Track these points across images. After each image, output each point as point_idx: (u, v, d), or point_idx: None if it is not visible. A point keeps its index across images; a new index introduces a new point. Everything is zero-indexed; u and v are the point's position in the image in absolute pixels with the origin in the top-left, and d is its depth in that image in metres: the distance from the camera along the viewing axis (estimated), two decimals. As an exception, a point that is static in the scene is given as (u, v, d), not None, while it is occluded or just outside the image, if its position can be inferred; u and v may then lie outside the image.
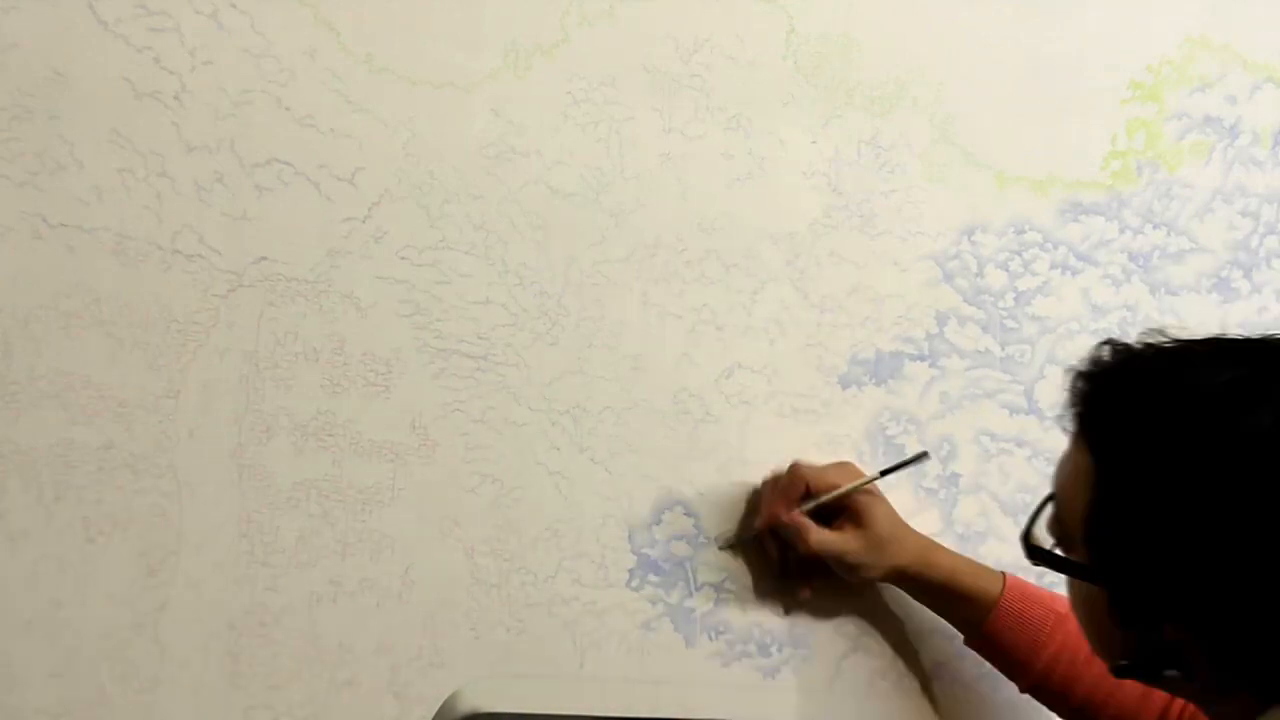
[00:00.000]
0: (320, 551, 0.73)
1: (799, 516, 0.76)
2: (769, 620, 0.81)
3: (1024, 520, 0.83)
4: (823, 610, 0.81)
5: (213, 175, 0.72)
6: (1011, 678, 0.76)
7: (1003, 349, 0.86)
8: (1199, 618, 0.52)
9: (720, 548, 0.80)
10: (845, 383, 0.83)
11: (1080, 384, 0.57)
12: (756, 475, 0.81)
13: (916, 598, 0.78)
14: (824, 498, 0.76)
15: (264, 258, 0.73)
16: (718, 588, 0.80)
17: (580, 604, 0.77)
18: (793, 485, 0.77)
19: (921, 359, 0.84)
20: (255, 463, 0.73)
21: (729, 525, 0.80)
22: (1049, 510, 0.59)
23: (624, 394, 0.79)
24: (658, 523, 0.79)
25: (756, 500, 0.80)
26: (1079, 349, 0.85)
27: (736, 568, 0.80)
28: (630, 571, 0.78)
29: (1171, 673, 0.54)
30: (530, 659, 0.77)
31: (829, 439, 0.82)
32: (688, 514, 0.80)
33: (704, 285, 0.80)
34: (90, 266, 0.71)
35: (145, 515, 0.71)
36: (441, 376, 0.76)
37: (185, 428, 0.72)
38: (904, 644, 0.83)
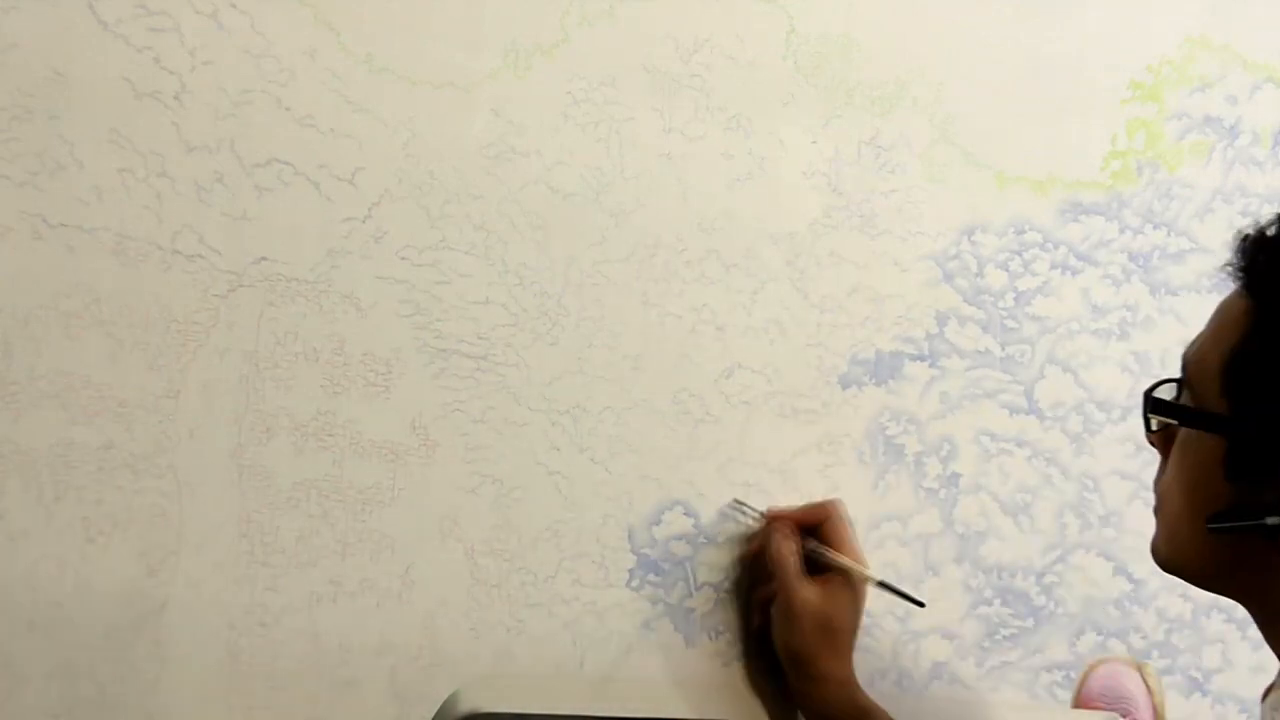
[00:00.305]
0: (320, 551, 0.73)
1: (789, 525, 0.76)
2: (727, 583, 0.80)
3: (1024, 520, 0.85)
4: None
5: (213, 175, 0.72)
6: None
7: (1003, 349, 0.86)
8: None
9: (730, 505, 0.80)
10: (845, 383, 0.83)
11: (1249, 241, 0.58)
12: (756, 475, 0.81)
13: None
14: (827, 552, 0.75)
15: (264, 258, 0.73)
16: (718, 588, 0.80)
17: (580, 604, 0.78)
18: (815, 512, 0.77)
19: (921, 359, 0.84)
20: (255, 463, 0.73)
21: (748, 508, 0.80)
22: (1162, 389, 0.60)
23: (624, 394, 0.79)
24: (658, 523, 0.79)
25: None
26: (1079, 349, 0.86)
27: (736, 567, 0.80)
28: (630, 571, 0.79)
29: (1275, 520, 0.53)
30: (530, 659, 0.77)
31: (829, 439, 0.82)
32: (688, 514, 0.80)
33: (704, 285, 0.80)
34: (90, 266, 0.71)
35: (145, 515, 0.71)
36: (441, 376, 0.76)
37: (185, 428, 0.72)
38: (904, 643, 0.83)
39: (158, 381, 0.72)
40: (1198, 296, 0.89)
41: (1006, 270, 0.86)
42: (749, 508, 0.80)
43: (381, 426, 0.75)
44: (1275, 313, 0.55)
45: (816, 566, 0.76)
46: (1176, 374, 0.62)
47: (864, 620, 0.80)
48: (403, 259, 0.75)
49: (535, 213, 0.77)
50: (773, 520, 0.78)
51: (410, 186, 0.75)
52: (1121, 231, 0.88)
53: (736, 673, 0.80)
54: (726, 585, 0.80)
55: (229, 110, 0.73)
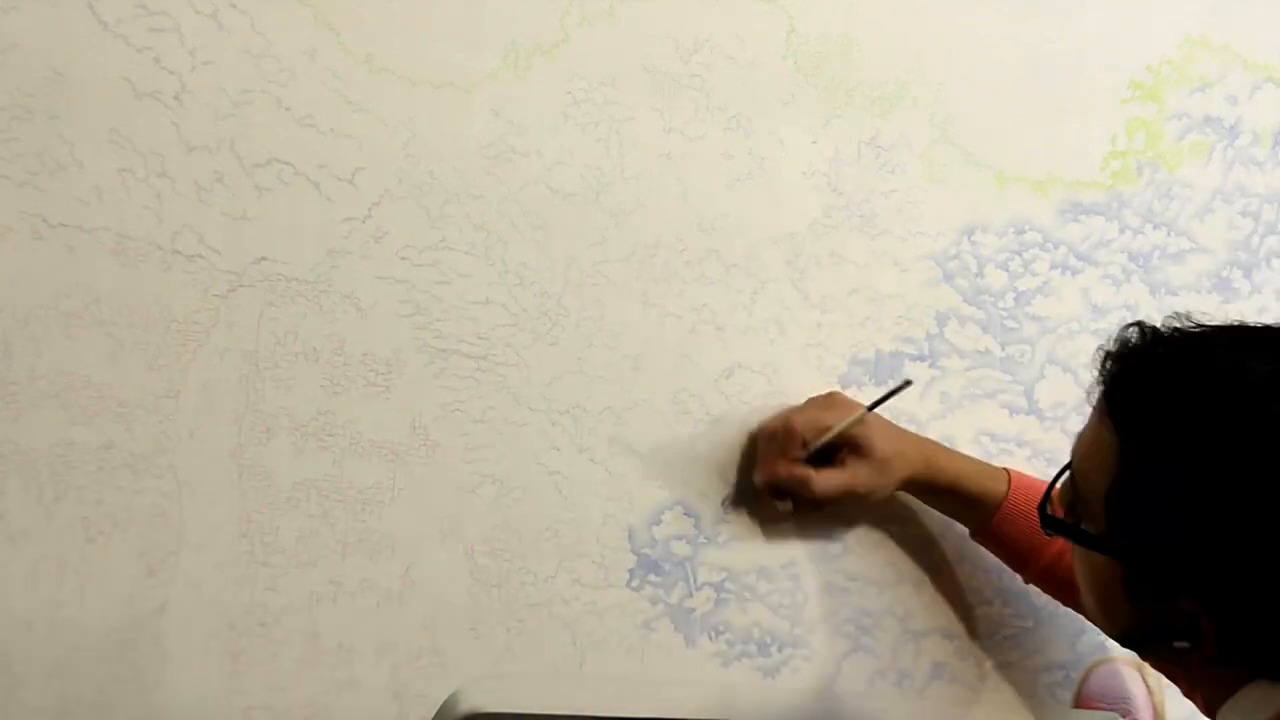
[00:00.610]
0: (320, 551, 0.74)
1: (797, 469, 0.76)
2: (769, 620, 0.81)
3: (1024, 520, 0.85)
4: (823, 610, 0.82)
5: (213, 175, 0.72)
6: (1017, 569, 0.78)
7: (1003, 349, 0.86)
8: (1217, 593, 0.54)
9: (724, 507, 0.80)
10: (845, 383, 0.83)
11: (1109, 364, 0.59)
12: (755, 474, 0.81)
13: (924, 500, 0.80)
14: (818, 443, 0.76)
15: (264, 258, 0.73)
16: (718, 588, 0.80)
17: (580, 604, 0.78)
18: (788, 438, 0.76)
19: (921, 359, 0.84)
20: (255, 463, 0.73)
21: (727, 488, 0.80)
22: (1062, 483, 0.61)
23: (624, 394, 0.79)
24: (658, 523, 0.79)
25: (753, 454, 0.79)
26: (1079, 349, 0.86)
27: (737, 568, 0.80)
28: (630, 571, 0.79)
29: (1182, 644, 0.55)
30: (530, 659, 0.77)
31: (829, 439, 0.82)
32: (688, 514, 0.80)
33: (704, 285, 0.80)
34: (90, 266, 0.71)
35: (145, 515, 0.71)
36: (441, 377, 0.76)
37: (185, 428, 0.72)
38: (905, 644, 0.83)
39: (158, 381, 0.72)
40: (1198, 297, 0.89)
41: (1006, 270, 0.86)
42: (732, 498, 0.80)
43: (381, 426, 0.75)
44: (1145, 454, 0.55)
45: (827, 456, 0.77)
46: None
47: (866, 620, 0.80)
48: (403, 259, 0.75)
49: (535, 213, 0.77)
50: (770, 479, 0.77)
51: (410, 186, 0.75)
52: (1121, 231, 0.88)
53: (737, 672, 0.80)
54: (728, 585, 0.80)
55: (229, 110, 0.73)
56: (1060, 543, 0.73)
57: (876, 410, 0.78)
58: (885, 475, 0.76)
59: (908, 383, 0.79)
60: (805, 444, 0.76)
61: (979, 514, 0.77)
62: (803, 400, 0.80)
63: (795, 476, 0.76)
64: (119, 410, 0.71)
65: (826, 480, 0.76)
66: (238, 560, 0.73)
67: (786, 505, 0.79)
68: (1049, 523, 0.61)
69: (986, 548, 0.79)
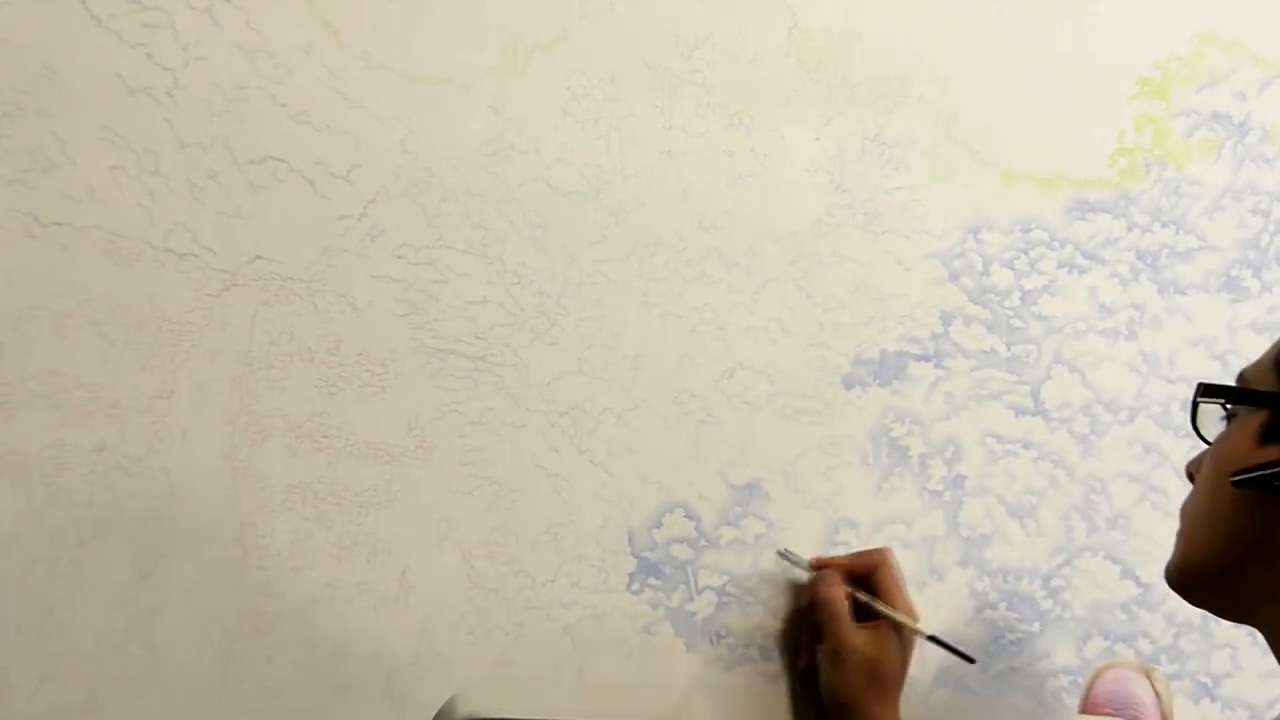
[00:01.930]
0: (315, 555, 0.73)
1: (836, 572, 0.77)
2: (772, 624, 0.81)
3: (1029, 523, 0.85)
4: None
5: (206, 173, 0.72)
6: None
7: (1009, 349, 0.86)
8: None
9: (778, 552, 0.80)
10: (849, 383, 0.83)
11: None
12: (758, 477, 0.81)
13: None
14: (875, 602, 0.76)
15: (258, 256, 0.73)
16: (719, 591, 0.80)
17: (580, 608, 0.77)
18: (865, 560, 0.77)
19: (926, 359, 0.84)
20: (249, 465, 0.73)
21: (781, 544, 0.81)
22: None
23: (624, 395, 0.79)
24: (658, 525, 0.79)
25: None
26: (1086, 349, 0.86)
27: (739, 571, 0.80)
28: (630, 575, 0.78)
29: None
30: (529, 663, 0.77)
31: (832, 440, 0.82)
32: (689, 516, 0.80)
33: (705, 284, 0.80)
34: (82, 265, 0.70)
35: (138, 518, 0.71)
36: (438, 377, 0.76)
37: (178, 429, 0.72)
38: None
39: (150, 382, 0.71)
40: (1206, 295, 0.88)
41: (1012, 269, 0.86)
42: (795, 556, 0.80)
43: (377, 428, 0.75)
44: None
45: (866, 614, 0.76)
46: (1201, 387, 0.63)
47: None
48: (399, 258, 0.75)
49: (534, 211, 0.77)
50: (821, 568, 0.79)
51: (407, 184, 0.75)
52: (1129, 230, 0.88)
53: (739, 677, 0.80)
54: (729, 589, 0.80)
55: (223, 107, 0.73)
56: None
57: (928, 643, 0.78)
58: (865, 681, 0.74)
59: (973, 661, 0.78)
60: (867, 584, 0.77)
61: None
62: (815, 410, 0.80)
63: (830, 578, 0.77)
64: (111, 411, 0.71)
65: (839, 605, 0.75)
66: (231, 564, 0.72)
67: (806, 661, 0.79)
68: (1206, 390, 0.62)
69: None
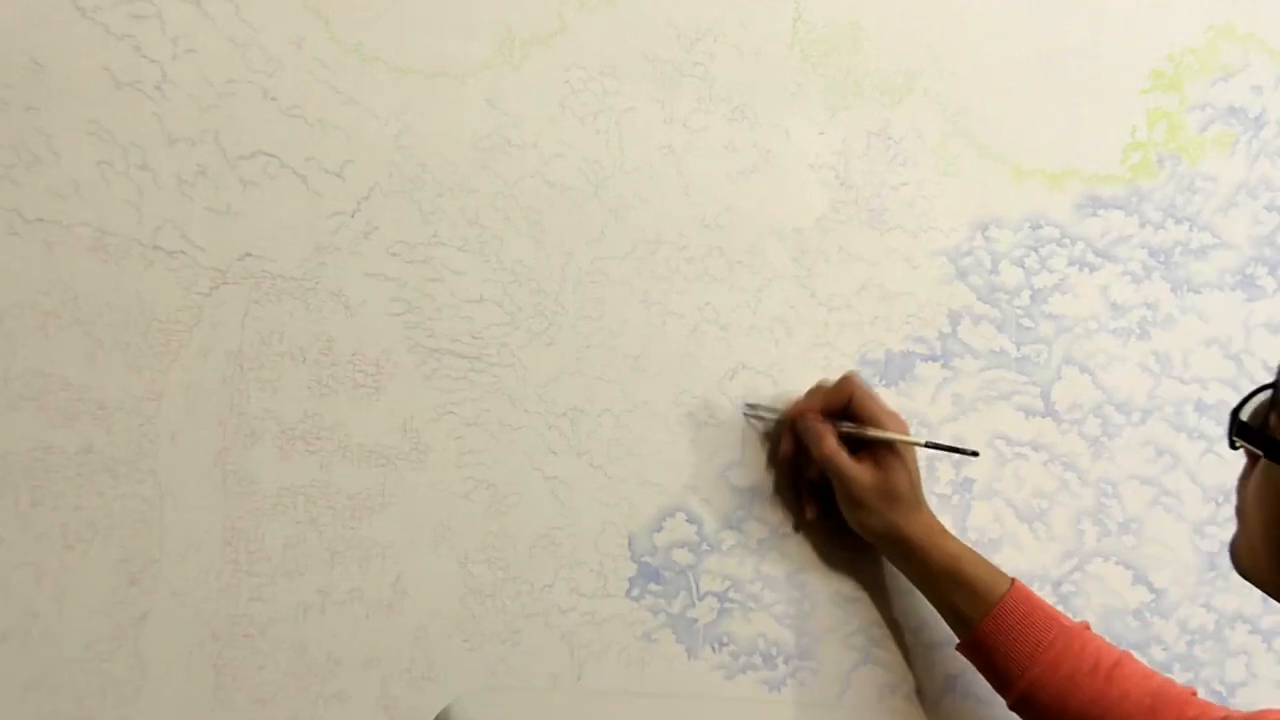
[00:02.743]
0: (307, 560, 0.73)
1: (823, 423, 0.77)
2: (775, 631, 0.80)
3: (1039, 527, 0.85)
4: (831, 620, 0.81)
5: (196, 168, 0.72)
6: (999, 686, 0.75)
7: (1018, 349, 0.85)
8: None
9: (744, 411, 0.80)
10: (854, 384, 0.82)
11: None
12: (762, 480, 0.81)
13: (914, 580, 0.78)
14: (864, 430, 0.76)
15: (249, 254, 0.73)
16: (721, 597, 0.80)
17: (578, 614, 0.77)
18: (836, 392, 0.77)
19: (934, 359, 0.84)
20: (240, 467, 0.72)
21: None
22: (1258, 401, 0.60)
23: (624, 396, 0.78)
24: (659, 530, 0.79)
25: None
26: (1098, 349, 0.86)
27: (742, 576, 0.80)
28: (630, 580, 0.78)
29: None
30: (526, 671, 0.76)
31: (837, 443, 0.82)
32: (690, 520, 0.79)
33: (707, 283, 0.80)
34: (68, 263, 0.70)
35: (126, 522, 0.71)
36: (434, 378, 0.75)
37: (167, 431, 0.71)
38: (916, 656, 0.83)
39: (138, 383, 0.71)
40: (1221, 294, 0.88)
41: (1022, 267, 0.86)
42: (765, 409, 0.80)
43: (371, 430, 0.74)
44: None
45: (857, 442, 0.77)
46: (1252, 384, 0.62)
47: (876, 631, 0.80)
48: (393, 255, 0.75)
49: (531, 207, 0.77)
50: (798, 416, 0.78)
51: (401, 180, 0.75)
52: (1142, 226, 0.88)
53: (741, 685, 0.80)
54: (732, 595, 0.80)
55: (213, 101, 0.72)
56: (1054, 654, 0.72)
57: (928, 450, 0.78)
58: (884, 503, 0.76)
59: (975, 454, 0.79)
60: (851, 418, 0.77)
61: (971, 608, 0.75)
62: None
63: (817, 428, 0.76)
64: (98, 413, 0.71)
65: (838, 451, 0.76)
66: (222, 569, 0.72)
67: (812, 512, 0.80)
68: (1239, 430, 0.60)
69: (971, 654, 0.76)
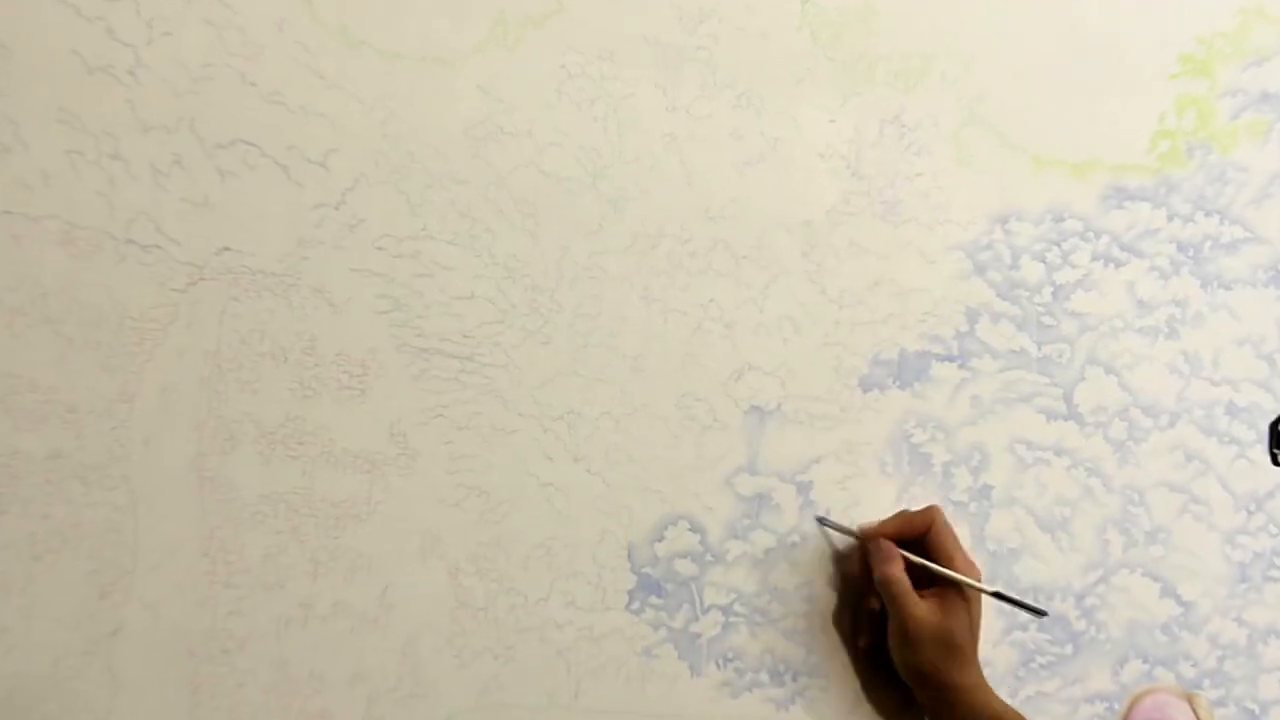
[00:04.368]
0: (289, 571, 0.73)
1: (891, 545, 0.77)
2: (782, 647, 0.80)
3: (1061, 537, 0.84)
4: (842, 636, 0.81)
5: (171, 158, 0.72)
6: None
7: (1039, 348, 0.85)
8: None
9: (817, 517, 0.81)
10: (866, 385, 0.82)
11: None
12: (768, 486, 0.80)
13: None
14: (933, 566, 0.77)
15: (227, 248, 0.73)
16: (726, 610, 0.80)
17: (575, 628, 0.77)
18: (916, 522, 0.78)
19: (950, 359, 0.84)
20: (217, 474, 0.72)
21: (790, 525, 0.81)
22: None
23: (623, 398, 0.78)
24: (660, 539, 0.79)
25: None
26: (1123, 348, 0.86)
27: (747, 589, 0.80)
28: (630, 593, 0.78)
29: None
30: (520, 689, 0.76)
31: (848, 447, 0.82)
32: (693, 529, 0.79)
33: (711, 279, 0.80)
34: (36, 258, 0.70)
35: (97, 531, 0.71)
36: (422, 379, 0.75)
37: (140, 435, 0.71)
38: (931, 673, 0.82)
39: (110, 384, 0.71)
40: (1253, 291, 0.88)
41: (1043, 262, 0.86)
42: (837, 524, 0.81)
43: (356, 434, 0.74)
44: None
45: (923, 577, 0.77)
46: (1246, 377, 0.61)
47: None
48: (380, 249, 0.75)
49: (525, 199, 0.77)
50: (870, 539, 0.79)
51: (388, 170, 0.75)
52: (1170, 219, 0.87)
53: (747, 704, 0.79)
54: (737, 608, 0.80)
55: (189, 86, 0.72)
56: None
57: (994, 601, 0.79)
58: (937, 650, 0.75)
59: (1044, 613, 0.80)
60: (923, 550, 0.77)
61: None
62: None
63: (887, 550, 0.77)
64: (68, 415, 0.71)
65: (902, 578, 0.76)
66: (198, 581, 0.72)
67: (865, 641, 0.80)
68: None
69: None
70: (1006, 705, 0.75)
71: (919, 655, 0.75)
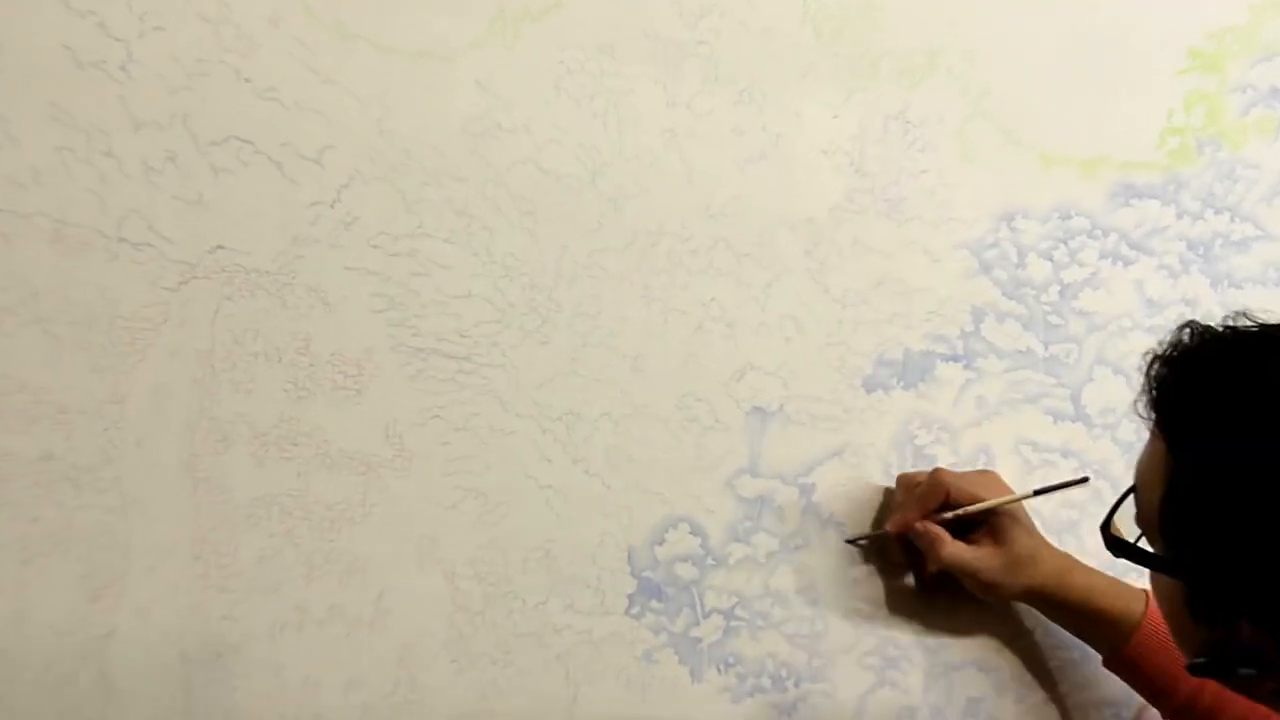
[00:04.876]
0: (283, 575, 0.73)
1: (933, 526, 0.78)
2: (785, 651, 0.80)
3: (1070, 540, 0.84)
4: (845, 640, 0.81)
5: (164, 155, 0.72)
6: (1154, 702, 0.78)
7: (1046, 348, 0.85)
8: (1276, 615, 0.54)
9: (846, 541, 0.81)
10: (870, 386, 0.82)
11: (1157, 368, 0.59)
12: (770, 488, 0.80)
13: (1052, 618, 0.80)
14: (965, 510, 0.78)
15: (220, 246, 0.73)
16: (727, 615, 0.79)
17: (574, 633, 0.77)
18: (932, 493, 0.79)
19: (955, 360, 0.84)
20: (211, 475, 0.72)
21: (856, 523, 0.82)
22: (1130, 502, 0.62)
23: (623, 399, 0.78)
24: (660, 542, 0.79)
25: (889, 500, 0.82)
26: (1131, 348, 0.86)
27: (749, 592, 0.80)
28: (630, 597, 0.78)
29: (1246, 671, 0.56)
30: (518, 694, 0.76)
31: (852, 449, 0.82)
32: (694, 532, 0.79)
33: (712, 277, 0.80)
34: (26, 256, 0.70)
35: (88, 534, 0.71)
36: (419, 379, 0.75)
37: (133, 436, 0.71)
38: (935, 679, 0.82)
39: (102, 385, 0.71)
40: (1264, 290, 0.88)
41: (1050, 260, 0.86)
42: (866, 535, 0.82)
43: (352, 435, 0.74)
44: (1193, 465, 0.56)
45: (966, 524, 0.78)
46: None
47: (893, 651, 0.79)
48: (375, 248, 0.75)
49: (524, 197, 0.77)
50: (906, 528, 0.79)
51: (384, 167, 0.75)
52: (1179, 217, 0.87)
53: (749, 709, 0.79)
54: (738, 612, 0.80)
55: (182, 82, 0.72)
56: (1190, 684, 0.74)
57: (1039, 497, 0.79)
58: (1014, 573, 0.78)
59: (1085, 480, 0.80)
60: (948, 506, 0.78)
61: (1112, 636, 0.77)
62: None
63: (930, 533, 0.78)
64: (58, 417, 0.70)
65: (956, 549, 0.78)
66: (192, 584, 0.72)
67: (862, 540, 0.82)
68: (1112, 543, 0.62)
69: (1119, 676, 0.79)
70: (1091, 574, 0.78)
71: (1003, 589, 0.78)
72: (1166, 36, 0.87)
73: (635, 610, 0.78)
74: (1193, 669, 0.59)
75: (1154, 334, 0.86)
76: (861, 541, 0.81)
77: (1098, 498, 0.85)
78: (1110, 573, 0.78)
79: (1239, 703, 0.73)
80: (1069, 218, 0.86)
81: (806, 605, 0.81)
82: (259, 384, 0.73)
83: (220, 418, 0.72)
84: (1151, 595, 0.77)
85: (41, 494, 0.70)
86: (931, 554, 0.78)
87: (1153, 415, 0.59)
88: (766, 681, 0.80)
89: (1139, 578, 0.75)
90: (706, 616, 0.79)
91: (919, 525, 0.78)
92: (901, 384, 0.83)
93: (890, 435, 0.83)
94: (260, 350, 0.73)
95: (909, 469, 0.82)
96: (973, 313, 0.85)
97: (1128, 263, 0.87)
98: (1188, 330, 0.59)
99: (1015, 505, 0.79)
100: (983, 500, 0.78)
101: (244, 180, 0.73)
